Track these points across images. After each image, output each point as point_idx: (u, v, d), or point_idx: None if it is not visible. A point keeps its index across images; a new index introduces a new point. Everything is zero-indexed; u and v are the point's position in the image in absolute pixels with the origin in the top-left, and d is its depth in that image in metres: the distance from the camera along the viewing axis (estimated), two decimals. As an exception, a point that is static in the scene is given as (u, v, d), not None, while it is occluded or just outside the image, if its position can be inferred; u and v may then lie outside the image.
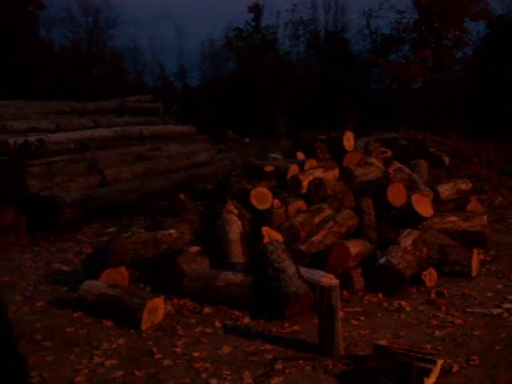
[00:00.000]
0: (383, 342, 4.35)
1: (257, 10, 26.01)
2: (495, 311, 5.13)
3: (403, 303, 5.37)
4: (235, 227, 6.18)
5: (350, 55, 24.44)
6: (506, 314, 5.05)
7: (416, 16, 21.14)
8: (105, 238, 8.07)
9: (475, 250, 6.26)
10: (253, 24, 25.95)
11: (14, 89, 18.01)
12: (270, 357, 4.25)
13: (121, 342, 4.61)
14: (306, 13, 26.53)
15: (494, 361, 4.13)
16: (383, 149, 9.24)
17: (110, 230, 8.97)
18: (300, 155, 8.13)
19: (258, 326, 4.90)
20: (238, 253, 5.90)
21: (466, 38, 20.96)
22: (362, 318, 5.05)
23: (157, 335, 4.77)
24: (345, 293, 5.51)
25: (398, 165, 7.94)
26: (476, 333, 4.63)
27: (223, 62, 27.50)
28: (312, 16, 25.93)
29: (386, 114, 19.05)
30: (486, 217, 7.27)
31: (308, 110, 20.75)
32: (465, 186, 8.09)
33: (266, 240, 5.71)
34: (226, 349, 4.45)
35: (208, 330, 4.83)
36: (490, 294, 5.60)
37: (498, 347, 4.36)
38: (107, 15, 27.98)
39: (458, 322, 4.91)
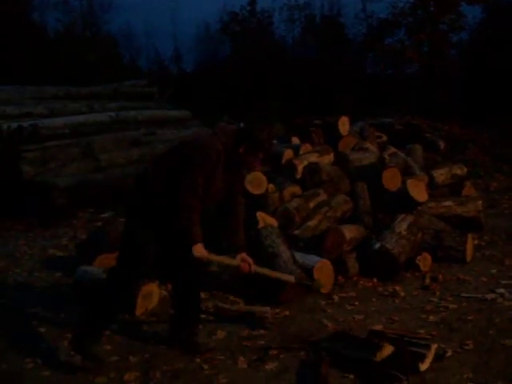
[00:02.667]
0: (378, 327, 4.34)
1: (252, -6, 25.86)
2: (489, 296, 5.13)
3: (397, 288, 5.37)
4: (230, 212, 6.15)
5: (346, 39, 24.32)
6: (500, 299, 5.05)
7: (412, 0, 21.01)
8: (99, 224, 8.06)
9: (469, 235, 6.27)
10: (248, 8, 25.81)
11: (7, 74, 17.88)
12: (264, 342, 4.26)
13: (115, 327, 4.61)
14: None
15: (488, 345, 4.13)
16: (378, 134, 9.22)
17: (105, 215, 8.96)
18: (295, 140, 8.09)
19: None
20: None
21: (461, 23, 20.87)
22: (356, 303, 5.06)
23: (151, 321, 4.78)
24: (339, 278, 5.52)
25: (393, 150, 7.91)
26: (470, 318, 4.63)
27: (218, 45, 27.39)
28: (308, 0, 25.80)
29: (381, 99, 18.97)
30: (480, 202, 7.27)
31: (303, 95, 20.66)
32: (460, 170, 8.08)
33: (260, 225, 5.70)
34: (220, 334, 4.44)
35: (202, 316, 4.82)
36: (484, 279, 5.61)
37: (491, 332, 4.37)
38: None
39: (452, 306, 4.91)
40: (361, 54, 23.25)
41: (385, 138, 9.32)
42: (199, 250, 3.85)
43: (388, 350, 3.73)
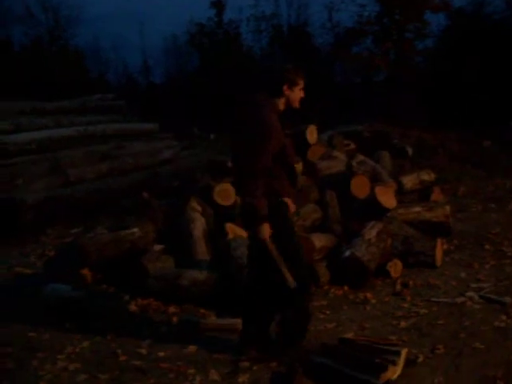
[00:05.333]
0: (349, 335, 4.35)
1: (219, 6, 25.91)
2: (459, 300, 5.18)
3: (369, 295, 5.40)
4: (199, 225, 6.14)
5: (313, 49, 24.45)
6: (469, 303, 5.11)
7: (378, 9, 21.26)
8: (68, 240, 7.95)
9: (439, 240, 6.33)
10: (215, 19, 25.85)
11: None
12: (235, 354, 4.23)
13: (85, 344, 4.54)
14: (269, 8, 26.54)
15: (459, 349, 4.17)
16: (347, 142, 9.27)
17: (74, 231, 8.84)
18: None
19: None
20: (202, 250, 5.86)
21: (426, 30, 21.18)
22: (327, 312, 5.07)
23: (121, 337, 4.71)
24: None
25: (361, 157, 7.95)
26: (440, 322, 4.68)
27: (186, 57, 27.36)
28: (275, 11, 25.92)
29: (349, 107, 19.10)
30: (448, 207, 7.34)
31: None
32: (428, 176, 8.16)
33: (230, 236, 5.68)
34: (192, 348, 4.40)
35: (173, 330, 4.78)
36: (454, 283, 5.66)
37: (462, 335, 4.41)
38: (68, 13, 27.56)
39: (423, 311, 4.95)
40: (328, 63, 23.39)
41: (353, 145, 9.37)
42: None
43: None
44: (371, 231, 5.84)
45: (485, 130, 16.16)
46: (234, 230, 5.82)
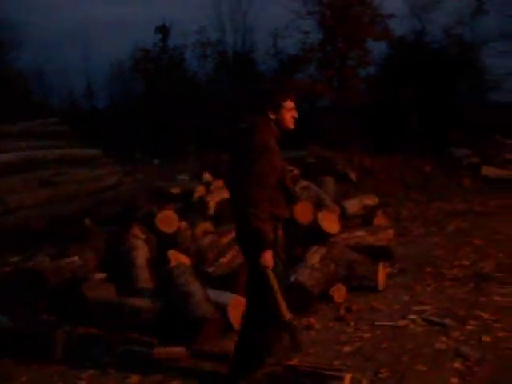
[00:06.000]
0: (293, 361, 4.32)
1: (164, 31, 25.96)
2: (402, 323, 5.23)
3: (312, 320, 5.38)
4: (142, 252, 6.05)
5: (258, 75, 24.67)
6: (412, 325, 5.16)
7: (321, 36, 21.67)
8: (7, 269, 7.70)
9: (381, 264, 6.40)
10: (160, 45, 25.87)
11: None
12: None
13: (24, 378, 4.39)
14: (215, 34, 26.72)
15: (402, 372, 4.20)
16: (290, 167, 9.32)
17: (14, 259, 8.57)
18: (207, 176, 8.07)
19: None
20: (145, 278, 5.75)
21: (368, 58, 21.69)
22: (273, 338, 5.02)
23: (61, 368, 4.57)
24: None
25: (305, 183, 8.02)
26: (384, 345, 4.70)
27: (131, 83, 27.21)
28: (220, 37, 26.11)
29: (293, 133, 19.27)
30: (391, 230, 7.46)
31: (218, 130, 20.69)
32: (371, 201, 8.29)
33: (172, 264, 5.61)
34: (134, 378, 4.30)
35: (115, 360, 4.66)
36: (397, 307, 5.72)
37: (405, 358, 4.44)
38: (10, 36, 27.10)
39: (367, 336, 4.97)
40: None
41: (297, 171, 9.44)
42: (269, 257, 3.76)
43: None
44: (315, 256, 5.87)
45: (426, 155, 16.60)
46: (177, 258, 5.75)
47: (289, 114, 3.98)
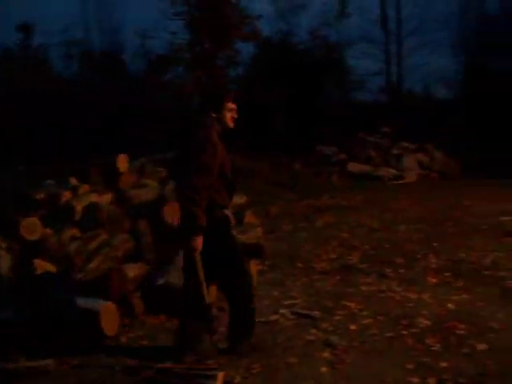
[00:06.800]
0: (166, 364, 4.28)
1: (26, 29, 24.88)
2: (272, 318, 5.36)
3: (185, 322, 5.35)
4: (4, 262, 5.74)
5: (127, 75, 24.23)
6: (282, 319, 5.32)
7: (188, 36, 21.64)
8: None
9: (251, 261, 6.49)
10: (22, 44, 24.76)
11: None
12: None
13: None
14: (81, 33, 25.96)
15: (274, 365, 4.29)
16: (160, 169, 9.22)
17: None
18: (73, 180, 7.79)
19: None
20: (8, 289, 5.47)
21: (237, 58, 21.97)
22: (145, 342, 4.96)
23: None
24: (125, 319, 5.35)
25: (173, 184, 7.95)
26: (255, 341, 4.76)
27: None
28: (85, 36, 25.40)
29: (162, 134, 19.02)
30: (260, 229, 7.59)
31: (92, 133, 20.00)
32: (241, 199, 8.37)
33: (38, 272, 5.38)
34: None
35: None
36: (267, 302, 5.84)
37: (277, 352, 4.56)
38: None
39: (239, 333, 5.01)
40: (140, 90, 23.25)
41: (165, 172, 9.34)
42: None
43: None
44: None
45: (295, 154, 17.08)
46: (42, 266, 5.51)
47: (229, 114, 4.48)
